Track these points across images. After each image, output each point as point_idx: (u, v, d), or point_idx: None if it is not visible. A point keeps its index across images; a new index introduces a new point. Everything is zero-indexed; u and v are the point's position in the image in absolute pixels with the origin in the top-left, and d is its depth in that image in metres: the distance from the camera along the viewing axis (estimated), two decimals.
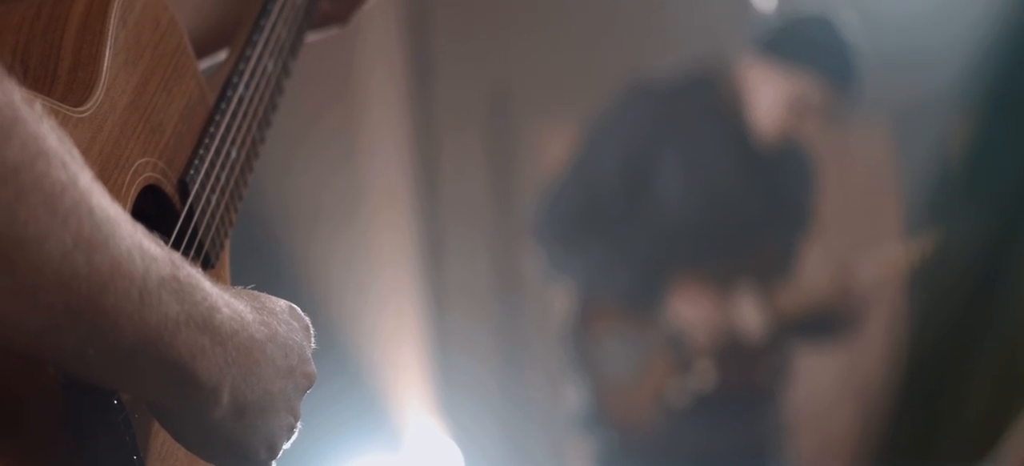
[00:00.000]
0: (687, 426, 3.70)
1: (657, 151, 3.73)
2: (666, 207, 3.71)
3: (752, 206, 3.78)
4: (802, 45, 3.66)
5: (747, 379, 3.76)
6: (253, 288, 1.09)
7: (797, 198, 3.87)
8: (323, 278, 4.60)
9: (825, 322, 3.78)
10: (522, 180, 5.09)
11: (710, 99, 3.78)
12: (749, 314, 3.70)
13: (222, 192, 1.25)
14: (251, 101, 1.33)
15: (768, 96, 3.67)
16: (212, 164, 1.23)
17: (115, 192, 1.03)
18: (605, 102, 3.85)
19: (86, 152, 1.00)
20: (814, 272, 3.78)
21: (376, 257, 4.92)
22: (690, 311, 3.69)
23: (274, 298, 1.09)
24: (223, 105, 1.27)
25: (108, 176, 1.03)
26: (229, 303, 1.00)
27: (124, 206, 1.04)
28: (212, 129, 1.24)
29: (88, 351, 0.89)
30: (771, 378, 3.78)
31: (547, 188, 3.90)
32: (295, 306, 1.10)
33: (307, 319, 1.12)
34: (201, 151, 1.21)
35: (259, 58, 1.36)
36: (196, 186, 1.19)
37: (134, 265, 0.89)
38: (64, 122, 0.98)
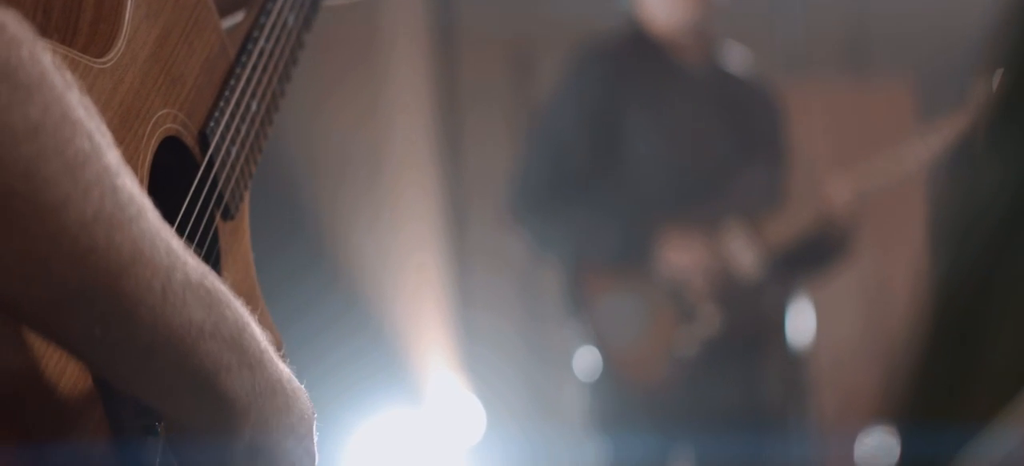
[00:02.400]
0: (704, 376, 3.69)
1: (618, 108, 3.73)
2: (639, 161, 3.71)
3: (719, 144, 3.77)
4: None
5: (753, 317, 3.76)
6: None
7: (762, 129, 3.87)
8: (346, 234, 4.62)
9: (819, 245, 3.77)
10: None
11: (655, 45, 3.79)
12: (740, 251, 3.70)
13: (242, 144, 1.25)
14: (272, 54, 1.33)
15: None
16: (232, 116, 1.24)
17: (136, 143, 1.05)
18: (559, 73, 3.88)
19: (107, 102, 1.01)
20: (798, 200, 3.78)
21: (399, 213, 4.93)
22: (682, 259, 3.69)
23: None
24: (244, 58, 1.28)
25: (129, 127, 1.05)
26: (263, 342, 0.96)
27: (144, 156, 1.06)
28: (233, 81, 1.25)
29: (95, 331, 0.84)
30: (777, 312, 3.78)
31: (513, 168, 3.90)
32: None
33: (313, 412, 1.05)
34: (221, 103, 1.22)
35: (280, 12, 1.37)
36: (216, 137, 1.20)
37: (158, 256, 0.85)
38: (86, 72, 0.99)
